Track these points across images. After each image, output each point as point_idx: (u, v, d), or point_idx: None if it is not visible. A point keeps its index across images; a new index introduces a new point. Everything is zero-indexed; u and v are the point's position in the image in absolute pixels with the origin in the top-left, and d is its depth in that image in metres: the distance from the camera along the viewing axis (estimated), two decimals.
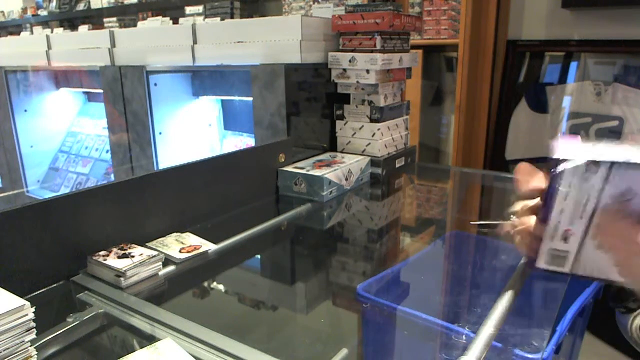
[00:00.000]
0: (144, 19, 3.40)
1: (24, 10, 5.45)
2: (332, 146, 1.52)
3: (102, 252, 0.83)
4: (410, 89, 2.29)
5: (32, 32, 4.62)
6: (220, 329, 0.65)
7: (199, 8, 3.63)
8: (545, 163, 0.54)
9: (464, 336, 0.64)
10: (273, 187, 1.27)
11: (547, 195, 0.54)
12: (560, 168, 0.52)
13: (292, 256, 1.04)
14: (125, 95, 1.75)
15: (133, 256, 0.82)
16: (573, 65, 2.15)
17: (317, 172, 1.22)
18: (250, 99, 1.39)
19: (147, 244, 0.91)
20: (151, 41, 1.67)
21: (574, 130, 2.12)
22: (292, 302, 0.84)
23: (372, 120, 1.43)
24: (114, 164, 1.91)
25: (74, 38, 1.98)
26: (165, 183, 0.98)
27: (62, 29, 3.55)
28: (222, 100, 1.90)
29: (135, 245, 0.87)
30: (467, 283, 0.91)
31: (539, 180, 0.56)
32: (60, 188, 2.32)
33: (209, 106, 1.90)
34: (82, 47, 1.89)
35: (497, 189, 1.49)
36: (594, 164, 0.50)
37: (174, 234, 0.97)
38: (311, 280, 0.92)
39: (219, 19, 2.18)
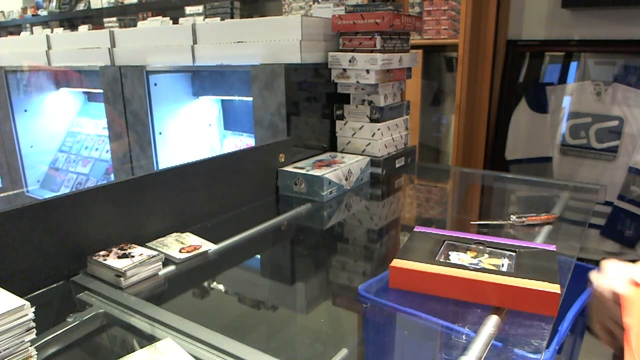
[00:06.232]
0: (144, 19, 3.40)
1: (24, 10, 5.45)
2: (332, 146, 1.51)
3: (102, 252, 0.83)
4: (410, 89, 2.29)
5: (32, 32, 4.62)
6: (220, 329, 0.65)
7: (199, 8, 3.62)
8: None
9: (464, 336, 0.64)
10: (273, 187, 1.27)
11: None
12: None
13: (292, 256, 1.04)
14: (125, 95, 1.75)
15: (133, 256, 0.82)
16: (573, 65, 2.15)
17: (317, 172, 1.22)
18: (250, 99, 1.39)
19: (147, 244, 0.91)
20: (151, 41, 1.67)
21: (574, 130, 2.12)
22: (292, 302, 0.84)
23: (372, 120, 1.43)
24: (114, 164, 1.91)
25: (74, 38, 1.98)
26: (165, 183, 0.98)
27: (62, 29, 3.55)
28: (222, 100, 1.90)
29: (135, 245, 0.87)
30: None
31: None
32: (60, 188, 2.32)
33: (209, 106, 1.90)
34: (82, 47, 1.89)
35: (497, 189, 1.49)
36: None
37: (174, 234, 0.97)
38: (311, 280, 0.92)
39: (219, 19, 2.17)
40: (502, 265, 0.75)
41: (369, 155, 1.42)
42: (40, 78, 2.24)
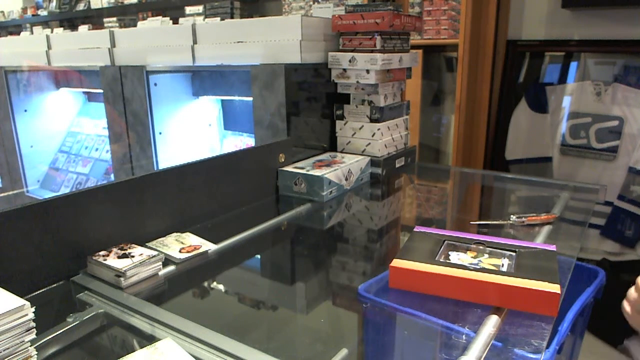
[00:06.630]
0: (144, 19, 3.40)
1: (24, 10, 5.45)
2: (332, 146, 1.51)
3: (102, 252, 0.83)
4: (410, 89, 2.29)
5: (32, 32, 4.62)
6: (220, 329, 0.65)
7: (199, 8, 3.63)
8: None
9: (464, 336, 0.64)
10: (273, 187, 1.27)
11: None
12: None
13: (292, 256, 1.04)
14: (125, 95, 1.75)
15: (133, 256, 0.82)
16: (573, 65, 2.15)
17: (317, 172, 1.22)
18: (250, 99, 1.39)
19: (147, 244, 0.91)
20: (151, 41, 1.67)
21: (574, 130, 2.12)
22: (292, 302, 0.84)
23: (372, 120, 1.43)
24: (114, 164, 1.91)
25: (74, 38, 1.98)
26: (165, 183, 0.98)
27: (62, 29, 3.55)
28: (222, 100, 1.90)
29: (135, 245, 0.87)
30: None
31: None
32: (60, 188, 2.32)
33: (209, 106, 1.90)
34: (82, 47, 1.89)
35: (497, 189, 1.49)
36: None
37: (174, 234, 0.97)
38: (311, 280, 0.92)
39: (219, 19, 2.18)
40: (502, 265, 0.75)
41: (369, 155, 1.42)
42: (40, 78, 2.24)
